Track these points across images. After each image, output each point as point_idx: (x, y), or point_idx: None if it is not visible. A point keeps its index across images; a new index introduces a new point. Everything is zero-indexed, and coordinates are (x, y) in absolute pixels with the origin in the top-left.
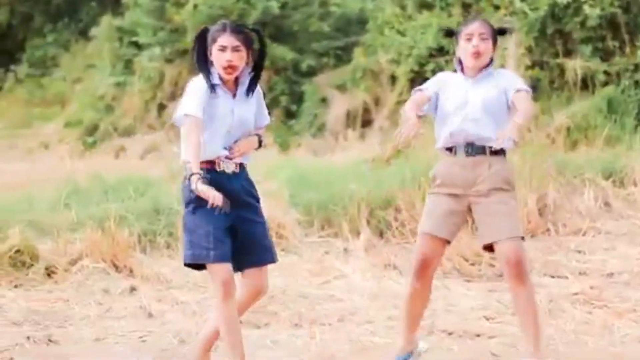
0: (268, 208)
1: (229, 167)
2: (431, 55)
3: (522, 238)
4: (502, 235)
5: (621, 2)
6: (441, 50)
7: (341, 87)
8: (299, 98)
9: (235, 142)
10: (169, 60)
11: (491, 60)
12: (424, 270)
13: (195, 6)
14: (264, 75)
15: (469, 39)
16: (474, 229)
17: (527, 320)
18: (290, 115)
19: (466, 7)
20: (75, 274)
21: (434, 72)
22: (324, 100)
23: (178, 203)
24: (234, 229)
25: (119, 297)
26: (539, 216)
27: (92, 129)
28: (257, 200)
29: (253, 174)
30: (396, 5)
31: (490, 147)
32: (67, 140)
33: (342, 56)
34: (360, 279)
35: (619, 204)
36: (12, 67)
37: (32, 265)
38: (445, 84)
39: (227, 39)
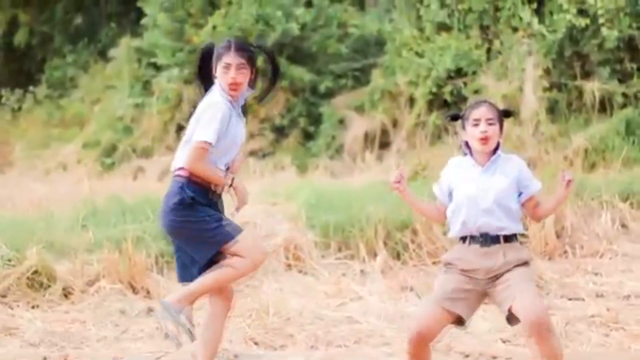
0: (286, 229)
1: (221, 190)
2: (449, 77)
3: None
4: (516, 294)
5: (639, 24)
6: (459, 72)
7: (359, 109)
8: (316, 120)
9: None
10: (187, 82)
11: (498, 144)
12: (419, 341)
13: (214, 27)
14: (282, 96)
15: (477, 125)
16: None
17: None
18: (308, 136)
19: (484, 29)
20: (92, 295)
21: (452, 94)
22: (341, 121)
23: None
24: None
25: (135, 318)
26: (557, 238)
27: (111, 150)
28: None
29: (271, 195)
30: (414, 27)
31: (504, 236)
32: (85, 162)
33: (360, 78)
34: (377, 300)
35: (637, 226)
36: (31, 88)
37: (49, 286)
38: (455, 174)
39: (232, 58)
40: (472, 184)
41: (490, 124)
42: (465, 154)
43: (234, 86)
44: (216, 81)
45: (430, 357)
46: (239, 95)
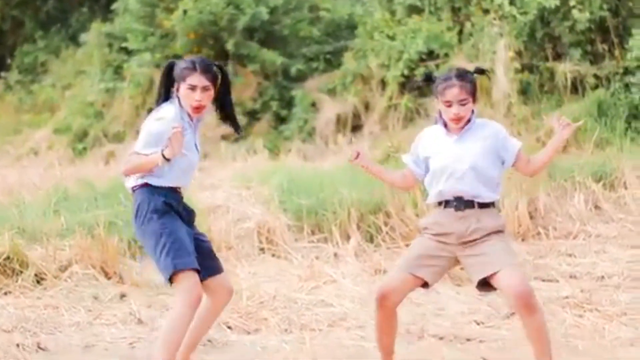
0: (259, 213)
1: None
2: (421, 60)
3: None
4: (501, 265)
5: (610, 6)
6: (431, 55)
7: (331, 92)
8: (288, 103)
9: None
10: (158, 66)
11: (472, 112)
12: (382, 301)
13: (185, 12)
14: (254, 80)
15: (449, 106)
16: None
17: (539, 350)
18: (280, 120)
19: (455, 11)
20: (65, 281)
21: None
22: (313, 105)
23: None
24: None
25: (108, 304)
26: (530, 220)
27: (82, 135)
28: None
29: (244, 179)
30: (385, 10)
31: (479, 202)
32: (56, 147)
33: (332, 61)
34: (350, 283)
35: (610, 206)
36: (2, 73)
37: (21, 272)
38: (430, 144)
39: (197, 79)
40: (447, 153)
41: (462, 104)
42: (437, 123)
43: (198, 109)
44: (174, 96)
45: (394, 330)
46: (201, 115)
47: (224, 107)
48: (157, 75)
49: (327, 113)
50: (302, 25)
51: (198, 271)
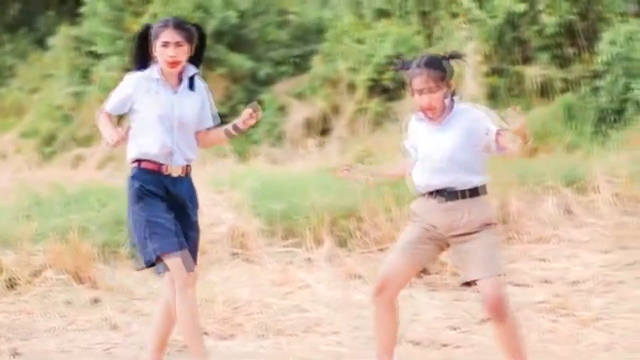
0: (231, 218)
1: (175, 171)
2: (390, 63)
3: (504, 274)
4: (483, 274)
5: (578, 9)
6: (400, 58)
7: (300, 96)
8: None
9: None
10: (127, 70)
11: (453, 93)
12: (380, 292)
13: (154, 15)
14: (222, 84)
15: (420, 94)
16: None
17: (509, 357)
18: None
19: (424, 15)
20: (38, 286)
21: (392, 80)
22: (282, 108)
23: None
24: None
25: (82, 309)
26: (502, 224)
27: (50, 139)
28: (196, 210)
29: (215, 184)
30: (354, 14)
31: (466, 191)
32: (24, 151)
33: (301, 64)
34: (324, 288)
35: (581, 211)
36: None
37: None
38: (416, 133)
39: (169, 35)
40: (428, 144)
41: (432, 92)
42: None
43: (172, 64)
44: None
45: (394, 326)
46: (177, 71)
47: (195, 61)
48: None
49: (296, 117)
50: (270, 29)
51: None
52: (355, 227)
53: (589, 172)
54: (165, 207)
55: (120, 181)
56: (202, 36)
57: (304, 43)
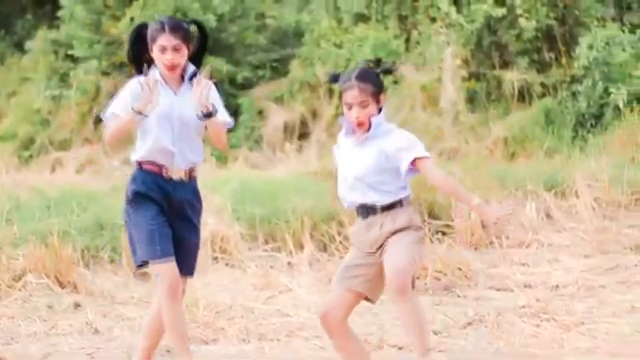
0: (211, 222)
1: (176, 174)
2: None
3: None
4: (391, 258)
5: (556, 14)
6: (378, 63)
7: (278, 100)
8: (235, 111)
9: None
10: (105, 74)
11: (380, 109)
12: (324, 320)
13: (132, 19)
14: None
15: (349, 108)
16: None
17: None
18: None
19: (402, 19)
20: (19, 290)
21: None
22: (260, 112)
23: (121, 218)
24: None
25: (63, 314)
26: (482, 229)
27: (28, 143)
28: (198, 215)
29: None
30: (332, 18)
31: (379, 206)
32: (1, 155)
33: (279, 69)
34: (305, 293)
35: (561, 215)
36: None
37: None
38: (338, 149)
39: (166, 39)
40: (344, 160)
41: (364, 107)
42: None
43: (171, 68)
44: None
45: (354, 346)
46: (177, 74)
47: (197, 57)
48: (104, 83)
49: (275, 121)
50: (249, 33)
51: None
52: (336, 232)
53: (569, 176)
54: (158, 210)
55: (99, 185)
56: (202, 33)
57: (282, 47)
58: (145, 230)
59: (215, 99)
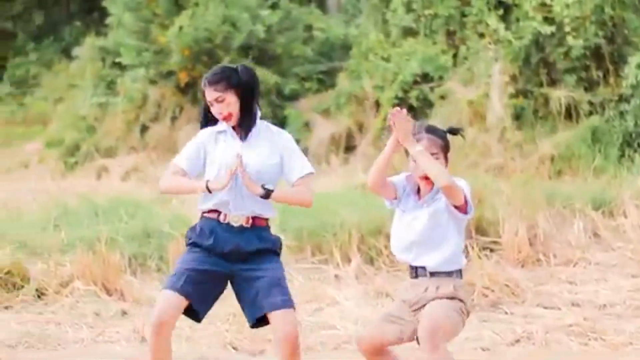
0: None
1: (235, 221)
2: (416, 82)
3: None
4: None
5: (605, 33)
6: (426, 77)
7: (325, 112)
8: (281, 122)
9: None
10: (152, 82)
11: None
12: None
13: (181, 28)
14: None
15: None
16: None
17: None
18: None
19: (450, 34)
20: (66, 297)
21: (418, 99)
22: (307, 124)
23: (168, 226)
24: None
25: (110, 321)
26: (529, 246)
27: (74, 149)
28: (267, 257)
29: None
30: (380, 31)
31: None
32: (47, 160)
33: (325, 81)
34: (353, 306)
35: (608, 235)
36: None
37: (22, 287)
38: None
39: (208, 94)
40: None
41: (436, 159)
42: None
43: (225, 119)
44: None
45: None
46: (234, 122)
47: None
48: (151, 91)
49: (321, 133)
50: (296, 45)
51: (186, 296)
52: (383, 245)
53: (617, 195)
54: (203, 257)
55: (145, 192)
56: (250, 74)
57: (329, 59)
58: (179, 269)
59: (292, 155)
